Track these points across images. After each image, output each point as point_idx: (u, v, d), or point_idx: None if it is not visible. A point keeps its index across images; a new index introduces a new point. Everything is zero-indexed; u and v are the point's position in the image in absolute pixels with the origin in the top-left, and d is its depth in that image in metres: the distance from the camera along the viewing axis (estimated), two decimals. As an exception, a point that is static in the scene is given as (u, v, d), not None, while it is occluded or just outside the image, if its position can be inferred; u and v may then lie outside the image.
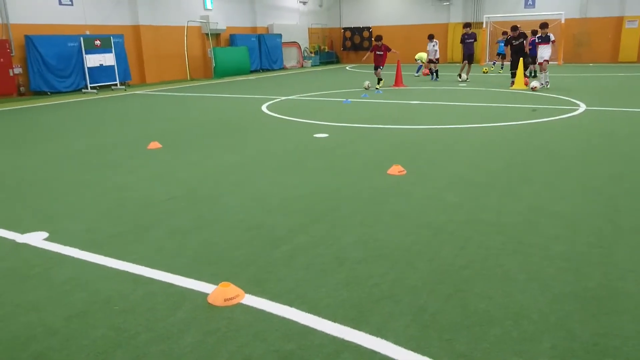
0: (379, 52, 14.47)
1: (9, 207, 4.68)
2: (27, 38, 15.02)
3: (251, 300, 2.84)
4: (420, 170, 5.61)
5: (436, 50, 17.08)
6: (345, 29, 31.36)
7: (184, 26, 20.17)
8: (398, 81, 15.52)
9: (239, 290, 2.88)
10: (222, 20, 22.02)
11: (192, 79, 20.43)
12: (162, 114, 10.87)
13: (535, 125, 8.25)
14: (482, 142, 7.08)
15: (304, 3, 29.07)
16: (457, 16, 28.00)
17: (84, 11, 16.93)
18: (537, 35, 14.06)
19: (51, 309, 2.79)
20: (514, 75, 14.21)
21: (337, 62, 31.39)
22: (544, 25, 13.73)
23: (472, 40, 16.69)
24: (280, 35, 25.59)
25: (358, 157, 6.33)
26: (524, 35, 14.02)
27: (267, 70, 24.76)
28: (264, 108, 11.08)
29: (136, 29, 18.77)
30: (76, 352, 2.40)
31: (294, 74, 22.64)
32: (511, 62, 14.38)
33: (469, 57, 16.63)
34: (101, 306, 2.80)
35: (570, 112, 9.42)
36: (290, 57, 26.81)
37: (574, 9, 25.20)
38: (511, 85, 14.12)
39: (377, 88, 14.35)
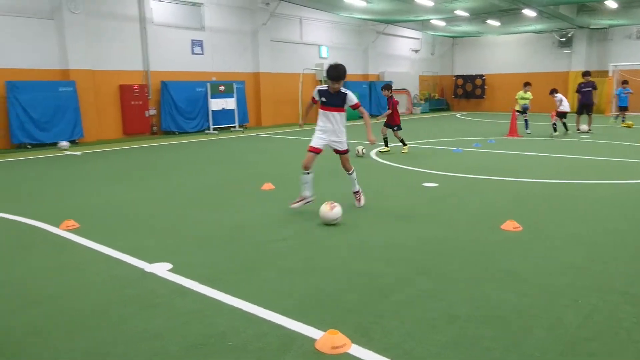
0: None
1: (140, 237, 5.14)
2: (163, 83, 16.74)
3: (358, 350, 2.82)
4: (538, 227, 5.29)
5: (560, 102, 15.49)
6: (458, 76, 31.08)
7: (300, 73, 21.25)
8: (512, 131, 14.96)
9: (346, 339, 2.88)
10: (336, 67, 22.86)
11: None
12: (276, 156, 11.41)
13: (672, 184, 7.47)
14: (607, 199, 6.54)
15: (416, 51, 29.39)
16: (579, 64, 26.57)
17: (212, 60, 18.54)
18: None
19: (172, 338, 2.99)
20: None
21: (448, 109, 31.05)
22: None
23: (590, 89, 15.59)
24: (390, 82, 25.97)
25: (469, 209, 6.13)
26: None
27: (377, 116, 25.06)
28: (372, 154, 11.20)
29: (256, 75, 20.14)
30: (193, 383, 2.54)
31: (403, 121, 22.66)
32: None
33: (585, 107, 15.52)
34: (217, 340, 2.95)
35: None
36: (399, 104, 26.99)
37: None
38: None
39: (381, 151, 11.29)
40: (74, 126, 14.43)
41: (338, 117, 6.06)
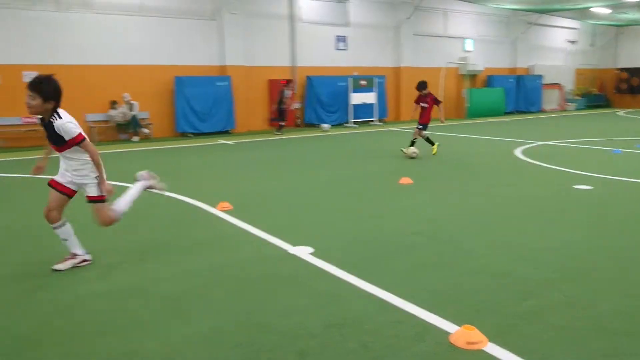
0: (423, 104, 10.31)
1: (285, 221, 5.54)
2: (308, 78, 17.53)
3: (494, 349, 2.78)
4: None
5: None
6: (622, 69, 27.88)
7: (442, 67, 20.76)
8: (688, 131, 13.09)
9: (483, 337, 2.85)
10: (481, 61, 21.97)
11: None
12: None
13: None
14: None
15: (573, 42, 26.94)
16: None
17: (355, 55, 18.93)
18: None
19: (313, 316, 3.21)
20: None
21: (607, 106, 28.04)
22: None
23: None
24: (540, 77, 24.21)
25: (630, 217, 5.56)
26: None
27: (523, 112, 23.63)
28: (517, 152, 10.62)
29: (397, 70, 20.13)
30: (332, 356, 2.72)
31: (553, 118, 21.08)
32: None
33: None
34: (353, 322, 3.11)
35: None
36: (550, 100, 25.06)
37: None
38: None
39: (407, 154, 9.98)
40: (228, 117, 15.80)
41: (70, 156, 3.90)
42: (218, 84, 15.51)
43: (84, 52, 13.84)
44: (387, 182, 7.68)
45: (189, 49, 15.41)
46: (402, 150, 10.26)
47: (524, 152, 10.59)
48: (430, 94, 10.24)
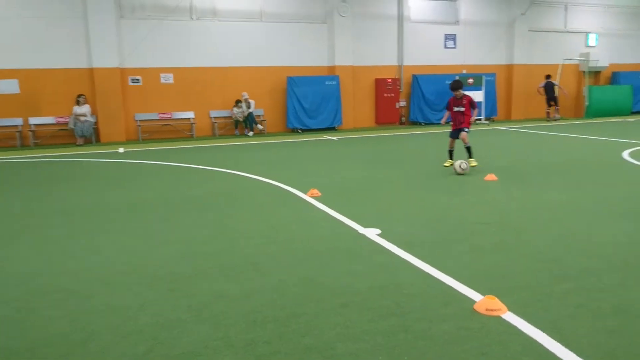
0: (457, 109, 8.69)
1: (359, 207, 6.18)
2: (414, 77, 17.86)
3: (510, 316, 3.20)
4: None
5: None
6: None
7: (559, 64, 19.81)
8: None
9: (502, 305, 3.28)
10: (605, 56, 20.56)
11: (560, 118, 19.87)
12: (514, 149, 11.30)
13: None
14: None
15: None
16: None
17: (464, 53, 18.85)
18: None
19: (362, 279, 3.85)
20: None
21: None
22: None
23: None
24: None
25: None
26: None
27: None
28: (624, 154, 10.15)
29: (509, 67, 19.62)
30: (368, 309, 3.35)
31: (689, 118, 19.11)
32: None
33: None
34: (395, 287, 3.69)
35: None
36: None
37: None
38: None
39: (446, 165, 8.86)
40: (335, 115, 16.72)
41: None
42: (327, 83, 16.48)
43: (210, 55, 15.57)
44: (473, 178, 7.96)
45: (301, 51, 16.56)
46: (469, 164, 8.60)
47: (633, 154, 10.10)
48: (466, 96, 8.65)
